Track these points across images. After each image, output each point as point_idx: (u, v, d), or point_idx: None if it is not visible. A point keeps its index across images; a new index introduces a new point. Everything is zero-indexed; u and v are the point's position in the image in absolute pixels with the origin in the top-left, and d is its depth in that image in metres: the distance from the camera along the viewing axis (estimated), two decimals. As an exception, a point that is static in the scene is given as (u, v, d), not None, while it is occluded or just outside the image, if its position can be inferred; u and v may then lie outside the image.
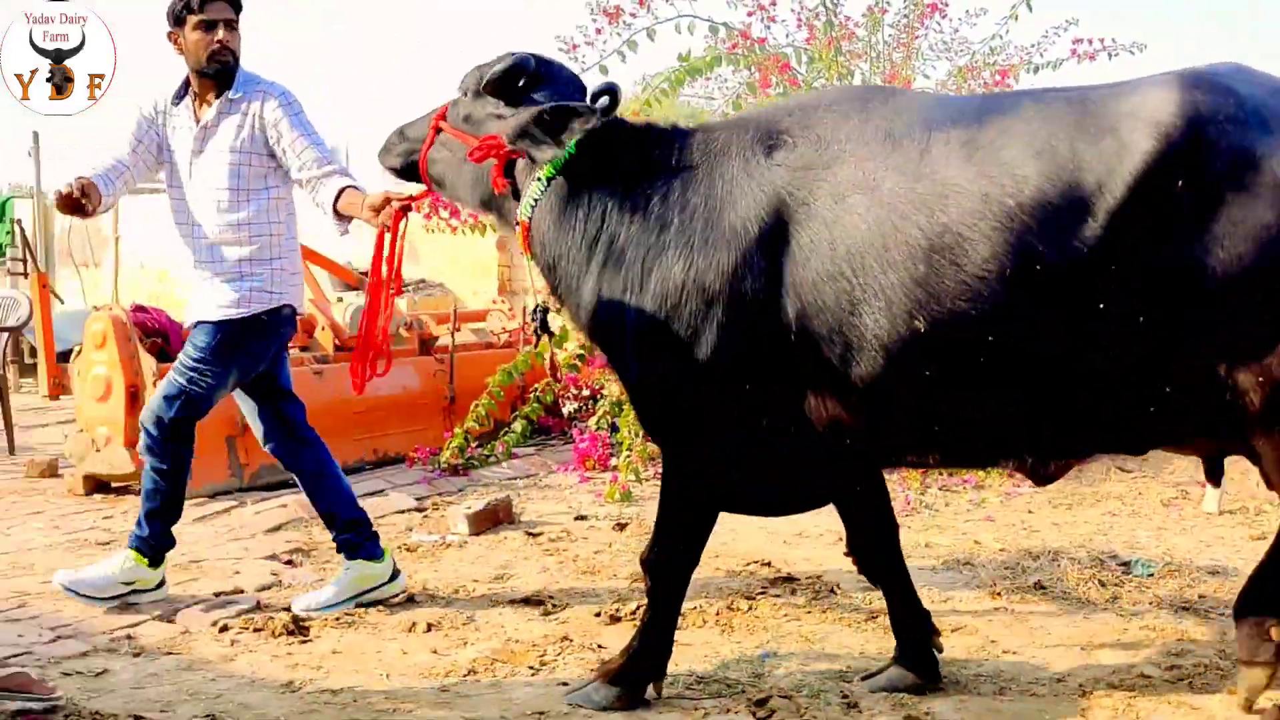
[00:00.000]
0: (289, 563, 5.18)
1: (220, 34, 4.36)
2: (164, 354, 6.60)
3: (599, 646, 4.00)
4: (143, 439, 4.48)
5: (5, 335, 9.25)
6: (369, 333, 4.42)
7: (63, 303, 12.71)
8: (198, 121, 4.44)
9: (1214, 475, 5.58)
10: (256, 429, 4.62)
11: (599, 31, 7.81)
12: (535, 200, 3.53)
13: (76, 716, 3.39)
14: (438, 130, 3.78)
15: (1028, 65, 8.39)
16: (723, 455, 3.36)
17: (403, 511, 6.19)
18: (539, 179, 3.52)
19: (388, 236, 4.13)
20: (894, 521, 3.73)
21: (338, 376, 7.19)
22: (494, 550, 5.38)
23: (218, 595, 4.61)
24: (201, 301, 4.47)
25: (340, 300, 8.14)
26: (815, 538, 5.48)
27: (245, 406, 4.64)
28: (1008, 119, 3.09)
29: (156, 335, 6.63)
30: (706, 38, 8.19)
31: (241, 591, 4.67)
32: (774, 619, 4.27)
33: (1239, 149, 2.89)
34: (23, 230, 13.01)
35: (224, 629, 4.19)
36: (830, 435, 3.27)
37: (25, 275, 12.56)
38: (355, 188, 4.29)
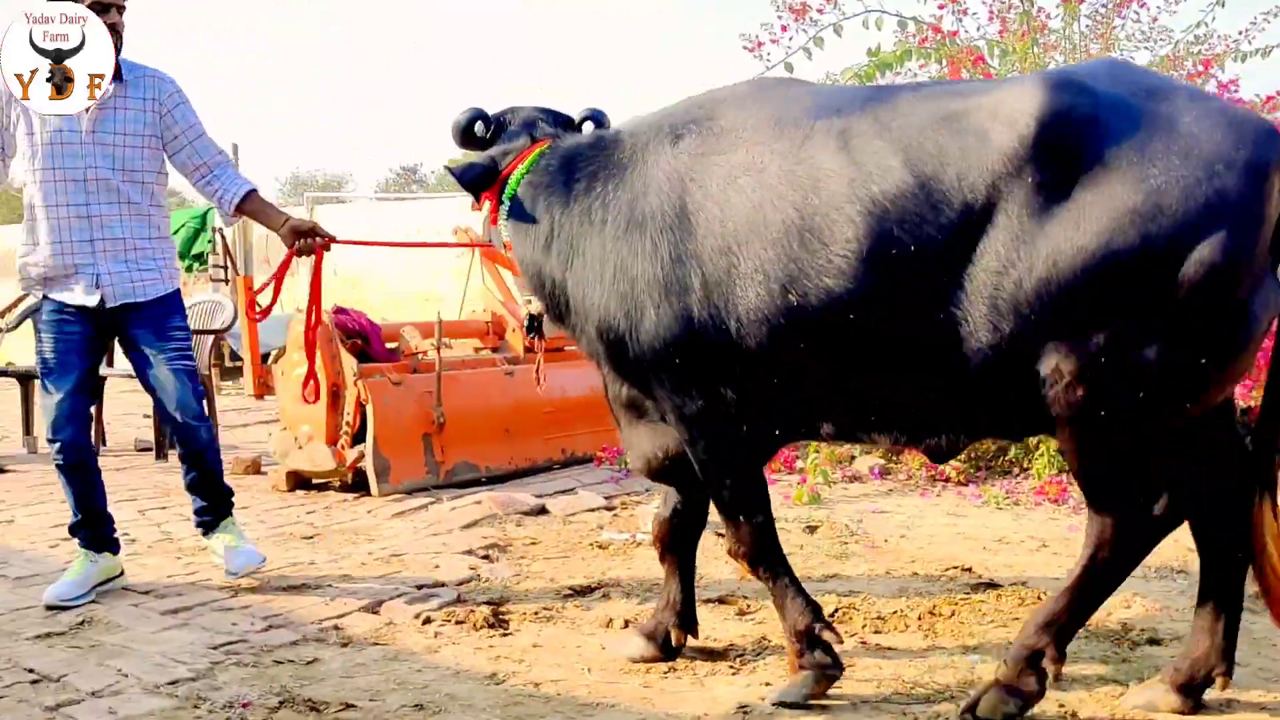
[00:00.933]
0: (485, 557, 5.25)
1: (113, 17, 4.51)
2: (364, 355, 6.80)
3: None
4: (203, 430, 4.79)
5: (210, 338, 9.66)
6: (309, 354, 5.17)
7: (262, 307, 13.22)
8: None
9: None
10: (72, 414, 4.62)
11: (784, 29, 7.73)
12: (506, 225, 3.84)
13: (291, 703, 3.49)
14: None
15: (1234, 54, 7.98)
16: (702, 421, 3.51)
17: (593, 510, 6.22)
18: (503, 205, 3.80)
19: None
20: (704, 519, 3.97)
21: (529, 377, 7.31)
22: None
23: (419, 588, 4.70)
24: (130, 281, 4.61)
25: (530, 302, 8.25)
26: (1016, 544, 5.31)
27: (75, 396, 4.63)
28: (885, 111, 3.23)
29: (356, 336, 6.83)
30: (895, 32, 8.02)
31: (442, 585, 4.76)
32: (978, 624, 4.14)
33: (1089, 149, 2.95)
34: (224, 238, 13.61)
35: (426, 621, 4.26)
36: (738, 405, 3.45)
37: (226, 281, 13.13)
38: (257, 190, 4.76)
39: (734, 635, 4.09)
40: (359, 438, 6.54)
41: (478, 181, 3.83)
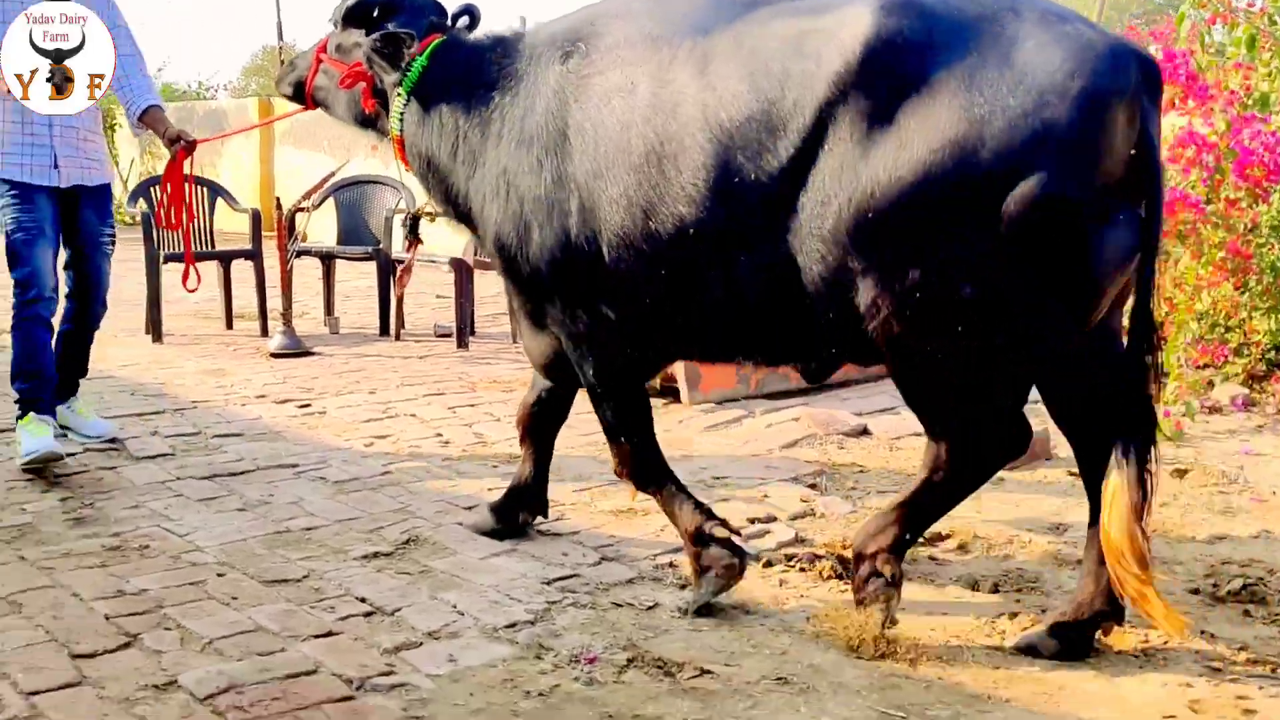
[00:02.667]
0: (813, 486, 4.84)
1: None
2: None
3: (1204, 628, 3.37)
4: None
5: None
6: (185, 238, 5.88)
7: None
8: None
9: None
10: (58, 280, 5.11)
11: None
12: (400, 115, 3.86)
13: (640, 662, 3.17)
14: (319, 60, 4.19)
15: None
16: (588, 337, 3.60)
17: (918, 434, 5.66)
18: (399, 95, 3.82)
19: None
20: (564, 416, 4.16)
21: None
22: (1036, 492, 4.80)
23: (752, 522, 4.33)
24: (80, 165, 5.12)
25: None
26: None
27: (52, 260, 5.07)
28: (746, 30, 3.18)
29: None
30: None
31: (774, 519, 4.38)
32: None
33: (915, 76, 2.86)
34: None
35: (768, 564, 3.88)
36: (617, 327, 3.52)
37: None
38: (160, 107, 5.25)
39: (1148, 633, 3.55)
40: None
41: (389, 58, 3.83)
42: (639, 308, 3.42)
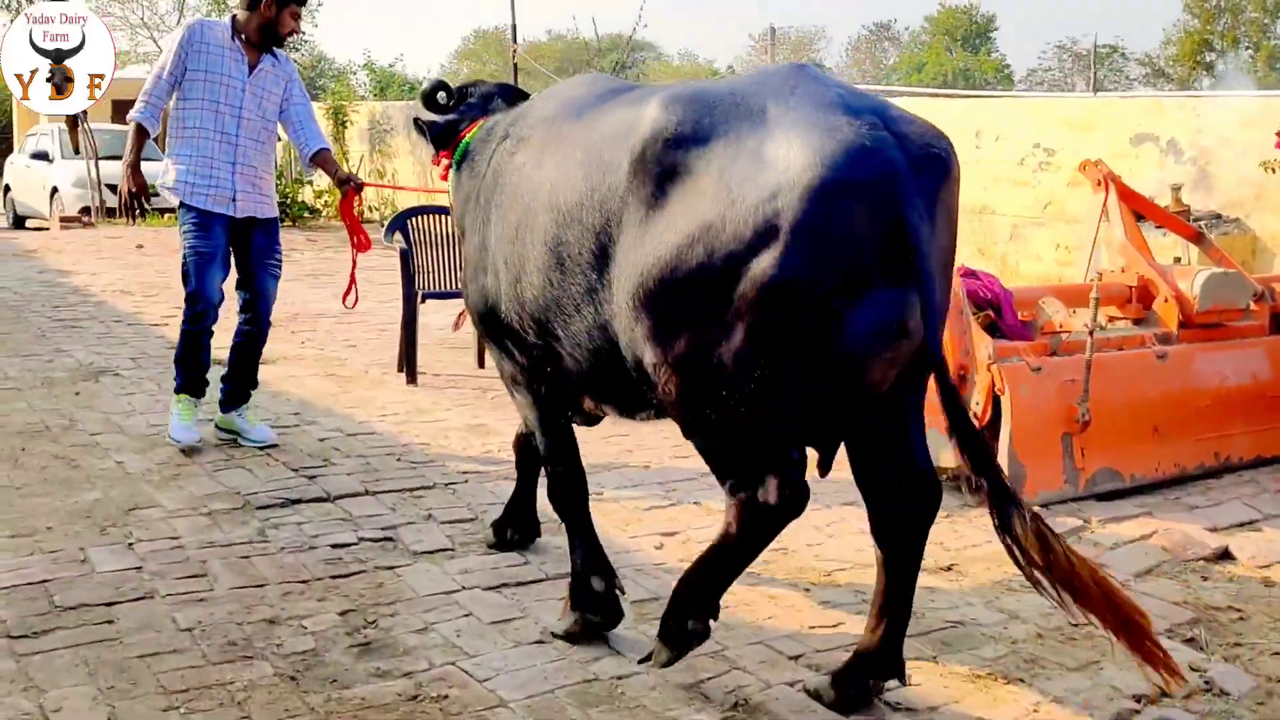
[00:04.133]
0: (1190, 640, 4.08)
1: (296, 24, 6.08)
2: (993, 328, 5.70)
3: None
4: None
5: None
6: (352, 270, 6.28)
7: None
8: (250, 65, 5.98)
9: None
10: (223, 296, 6.03)
11: None
12: (453, 184, 4.39)
13: None
14: None
15: None
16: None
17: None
18: (454, 173, 4.38)
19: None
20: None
21: (1183, 362, 5.96)
22: None
23: (1138, 700, 3.61)
24: (255, 200, 6.03)
25: (1178, 261, 6.81)
26: None
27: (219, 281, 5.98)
28: (597, 118, 3.58)
29: (988, 307, 5.72)
30: None
31: (1165, 697, 3.64)
32: None
33: (677, 168, 3.15)
34: None
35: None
36: (527, 371, 3.99)
37: None
38: (328, 150, 6.22)
39: None
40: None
41: (440, 138, 4.45)
42: (530, 356, 3.88)
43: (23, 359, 8.32)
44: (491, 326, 4.00)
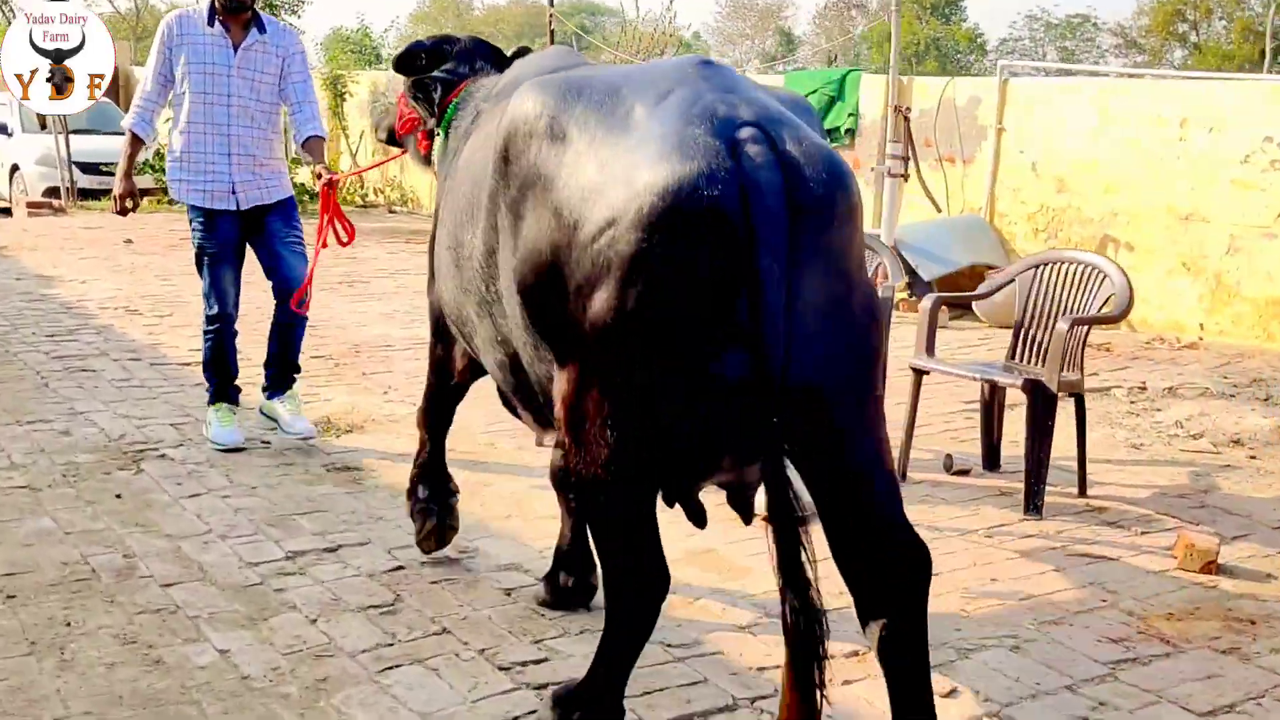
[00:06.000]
0: None
1: None
2: None
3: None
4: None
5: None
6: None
7: (939, 210, 10.81)
8: (235, 44, 5.65)
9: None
10: (239, 289, 5.86)
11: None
12: (438, 158, 4.07)
13: None
14: (400, 105, 4.46)
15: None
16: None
17: None
18: (439, 138, 4.06)
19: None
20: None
21: None
22: None
23: None
24: (258, 187, 5.74)
25: None
26: None
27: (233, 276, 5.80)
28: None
29: None
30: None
31: None
32: None
33: (531, 166, 2.81)
34: (907, 120, 10.82)
35: None
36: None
37: (905, 176, 10.44)
38: (321, 138, 5.84)
39: None
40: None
41: (410, 107, 4.26)
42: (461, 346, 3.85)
43: (28, 429, 5.99)
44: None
